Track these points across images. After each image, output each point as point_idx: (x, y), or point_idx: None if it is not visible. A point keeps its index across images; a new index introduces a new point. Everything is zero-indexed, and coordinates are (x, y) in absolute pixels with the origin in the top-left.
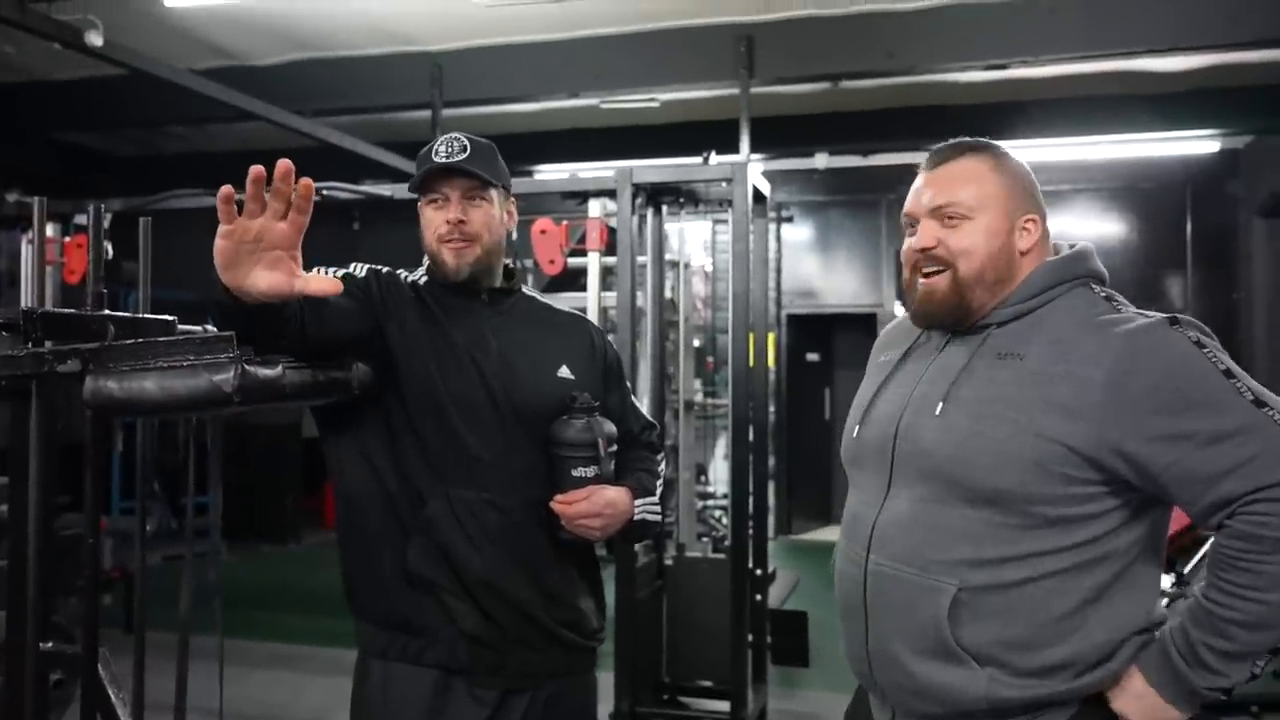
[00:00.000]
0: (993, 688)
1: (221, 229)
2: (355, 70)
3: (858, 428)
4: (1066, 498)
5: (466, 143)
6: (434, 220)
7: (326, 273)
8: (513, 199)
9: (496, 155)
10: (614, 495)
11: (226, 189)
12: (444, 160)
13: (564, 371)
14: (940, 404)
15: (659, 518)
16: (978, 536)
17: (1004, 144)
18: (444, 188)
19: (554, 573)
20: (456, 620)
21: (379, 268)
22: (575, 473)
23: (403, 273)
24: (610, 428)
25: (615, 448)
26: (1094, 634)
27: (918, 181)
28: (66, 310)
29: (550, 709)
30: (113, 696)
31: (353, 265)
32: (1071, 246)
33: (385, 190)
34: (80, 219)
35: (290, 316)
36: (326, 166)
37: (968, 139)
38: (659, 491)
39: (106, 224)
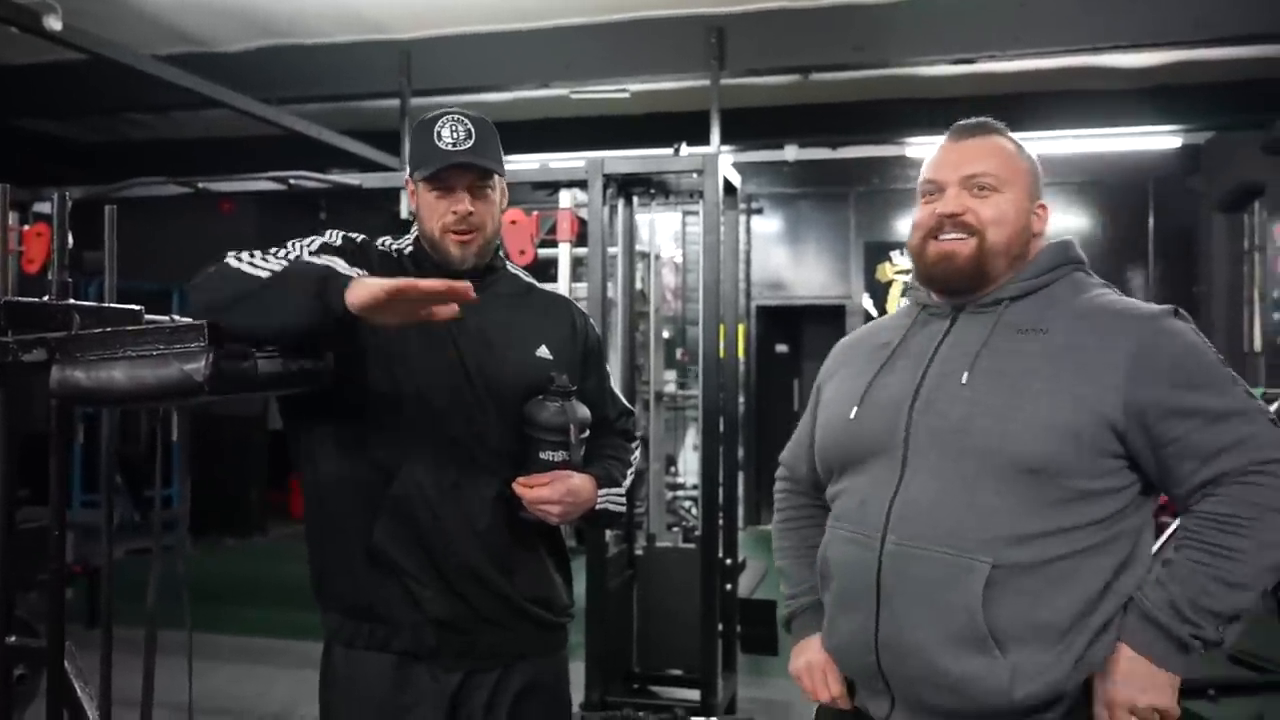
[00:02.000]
0: (1017, 680)
1: (388, 311)
2: (323, 58)
3: (855, 409)
4: (1095, 470)
5: (471, 127)
6: (438, 208)
7: (303, 244)
8: (504, 180)
9: (497, 136)
10: (578, 483)
11: (417, 289)
12: (452, 148)
13: (543, 351)
14: (966, 374)
15: (622, 508)
16: (1011, 511)
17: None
18: (451, 178)
19: (523, 551)
20: (422, 606)
21: (355, 235)
22: (543, 455)
23: (388, 239)
24: (585, 413)
25: (587, 434)
26: (1104, 613)
27: (941, 151)
28: (31, 299)
29: (523, 689)
30: (79, 690)
31: (329, 233)
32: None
33: (355, 179)
34: (40, 207)
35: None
36: (293, 155)
37: (991, 120)
38: (627, 482)
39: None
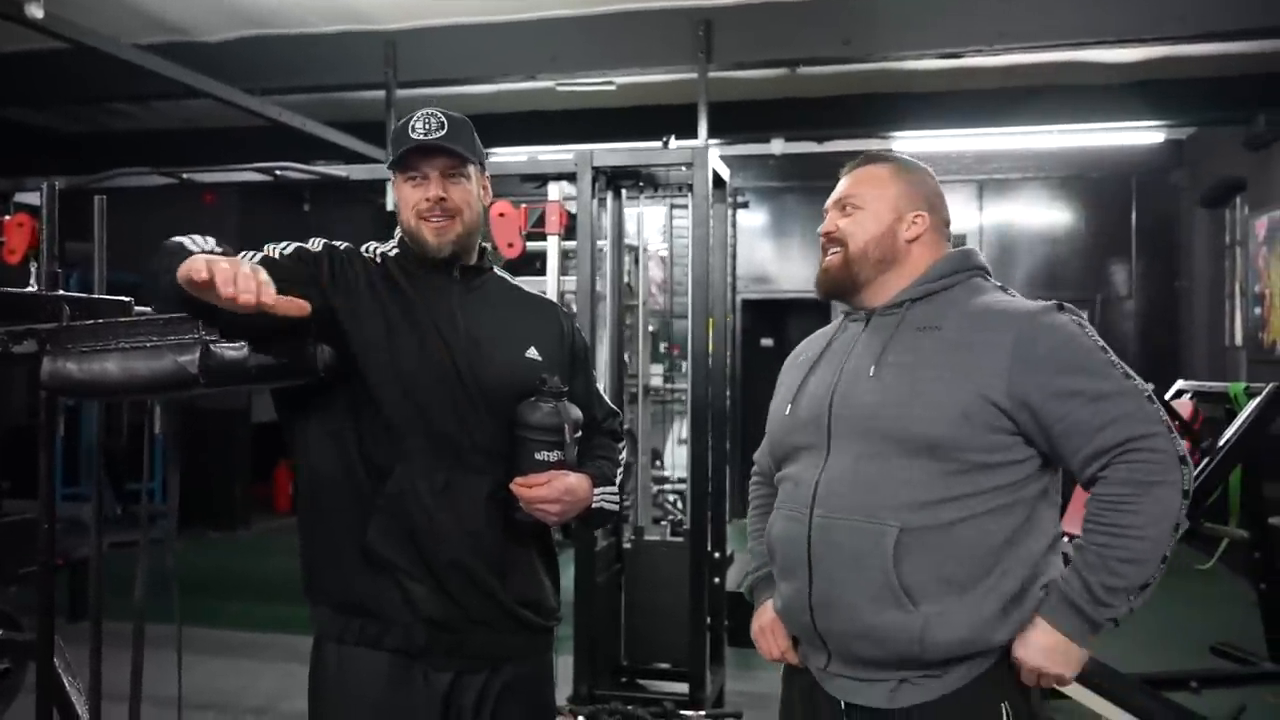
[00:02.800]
0: (928, 630)
1: (200, 291)
2: (307, 48)
3: (789, 406)
4: (988, 445)
5: (444, 119)
6: (412, 197)
7: (277, 248)
8: (487, 176)
9: (473, 132)
10: (574, 482)
11: (206, 278)
12: (422, 137)
13: (532, 353)
14: (873, 368)
15: (617, 506)
16: (915, 482)
17: (956, 132)
18: (423, 165)
19: (514, 552)
20: (415, 603)
21: (337, 244)
22: (538, 456)
23: (373, 245)
24: (577, 413)
25: (580, 434)
26: (1012, 573)
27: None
28: (20, 290)
29: (507, 691)
30: (68, 685)
31: (310, 241)
32: (958, 247)
33: (341, 171)
34: (21, 197)
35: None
36: (277, 146)
37: (881, 152)
38: (619, 480)
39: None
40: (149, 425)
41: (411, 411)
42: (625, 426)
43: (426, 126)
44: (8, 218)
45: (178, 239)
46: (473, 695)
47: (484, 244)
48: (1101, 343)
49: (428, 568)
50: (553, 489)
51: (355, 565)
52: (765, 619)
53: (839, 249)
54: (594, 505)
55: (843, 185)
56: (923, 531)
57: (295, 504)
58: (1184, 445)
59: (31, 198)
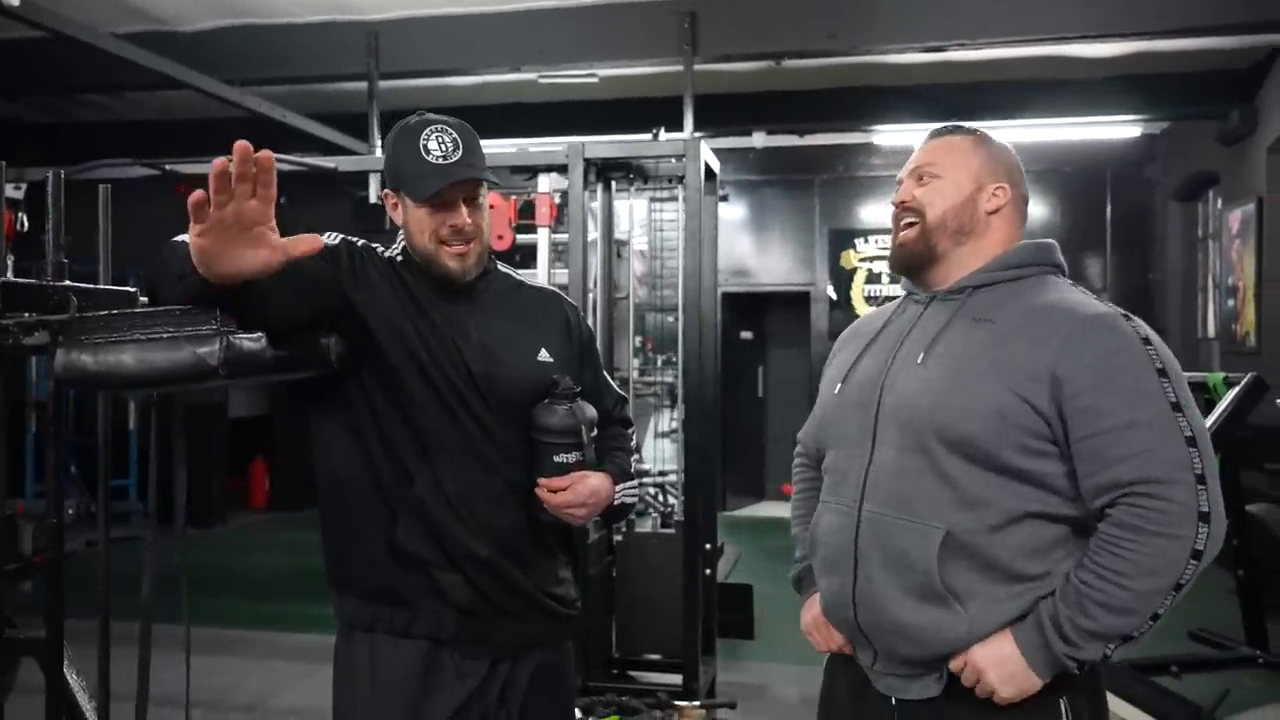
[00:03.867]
0: (974, 627)
1: (197, 228)
2: (287, 38)
3: (840, 385)
4: (1024, 448)
5: (457, 136)
6: (429, 223)
7: None
8: None
9: (478, 140)
10: (597, 483)
11: (199, 194)
12: (444, 162)
13: (544, 355)
14: (922, 355)
15: (636, 499)
16: (956, 481)
17: (936, 125)
18: (446, 193)
19: (537, 548)
20: (446, 592)
21: (354, 239)
22: (558, 458)
23: (378, 247)
24: (591, 412)
25: (596, 431)
26: (1042, 589)
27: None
28: (27, 280)
29: (535, 676)
30: (73, 683)
31: (326, 234)
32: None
33: (329, 163)
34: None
35: (265, 289)
36: (255, 137)
37: (962, 124)
38: (634, 469)
39: (20, 194)
40: (148, 417)
41: (437, 414)
42: None
43: (444, 149)
44: None
45: (178, 239)
46: (497, 685)
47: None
48: (1164, 363)
49: (454, 563)
50: (577, 493)
51: (384, 560)
52: (817, 610)
53: (916, 220)
54: (616, 502)
55: (919, 154)
56: (968, 534)
57: (317, 497)
58: (1215, 502)
59: (7, 190)
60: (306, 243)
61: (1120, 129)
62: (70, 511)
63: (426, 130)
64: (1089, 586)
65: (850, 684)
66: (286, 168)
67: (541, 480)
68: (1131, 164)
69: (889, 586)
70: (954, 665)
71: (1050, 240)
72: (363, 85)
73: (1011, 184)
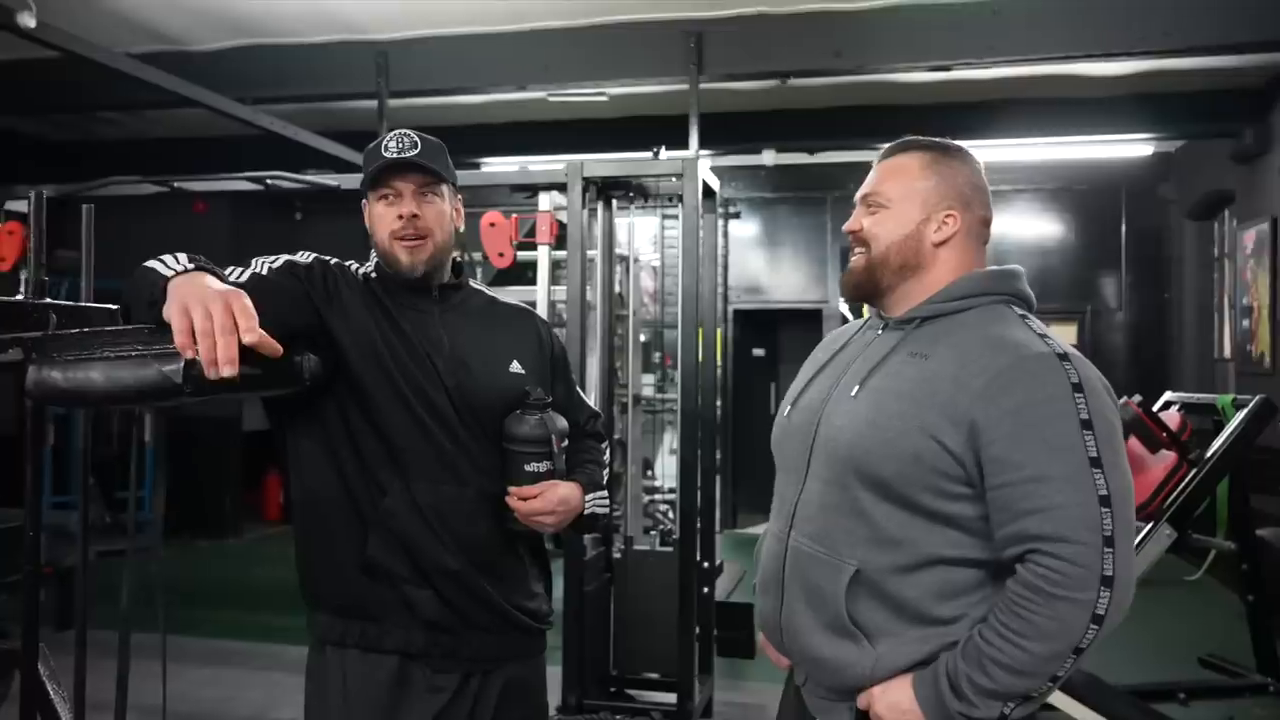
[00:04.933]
0: (879, 666)
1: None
2: (298, 57)
3: (789, 408)
4: (939, 493)
5: (417, 139)
6: (385, 216)
7: (266, 262)
8: (459, 197)
9: (446, 153)
10: (566, 492)
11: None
12: (395, 156)
13: (515, 367)
14: (856, 388)
15: (607, 509)
16: (872, 519)
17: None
18: (396, 182)
19: (508, 559)
20: (414, 608)
21: (327, 258)
22: (529, 468)
23: (352, 264)
24: (562, 423)
25: (567, 442)
26: (954, 634)
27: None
28: (6, 298)
29: (505, 691)
30: (52, 692)
31: (299, 254)
32: (1002, 266)
33: (331, 180)
34: (12, 205)
35: None
36: (268, 155)
37: (923, 138)
38: (606, 482)
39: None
40: (136, 432)
41: (410, 428)
42: (616, 437)
43: (400, 145)
44: None
45: (149, 263)
46: (468, 700)
47: (459, 259)
48: (1092, 413)
49: (425, 576)
50: (547, 501)
51: (355, 575)
52: None
53: (863, 250)
54: (586, 511)
55: (870, 178)
56: (879, 572)
57: (290, 512)
58: (1123, 566)
59: (21, 206)
60: (269, 346)
61: (1133, 147)
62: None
63: (390, 136)
64: (989, 645)
65: (793, 699)
66: (293, 186)
67: (512, 489)
68: (1146, 182)
69: (806, 617)
70: (860, 703)
71: (1011, 268)
72: (372, 104)
73: (964, 207)
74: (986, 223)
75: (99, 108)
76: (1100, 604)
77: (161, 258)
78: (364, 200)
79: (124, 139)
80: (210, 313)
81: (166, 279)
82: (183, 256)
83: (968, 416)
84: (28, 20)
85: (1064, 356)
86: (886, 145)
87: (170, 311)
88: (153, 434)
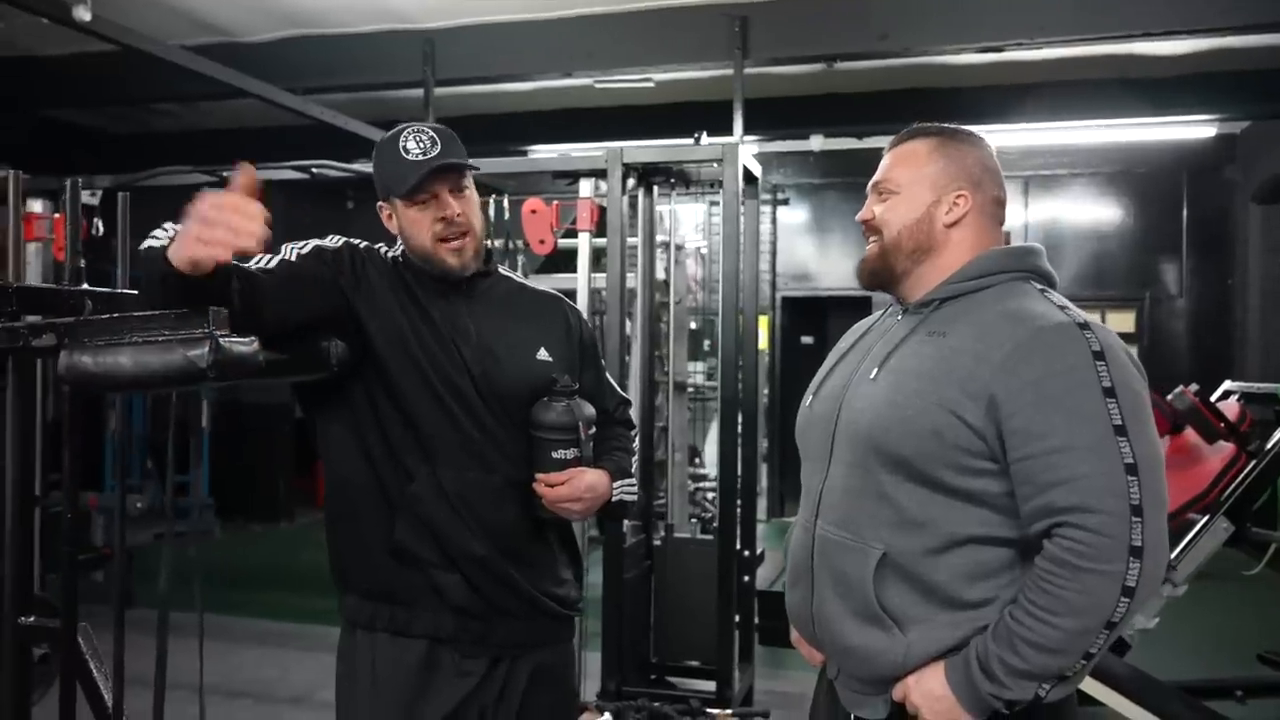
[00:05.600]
0: (911, 653)
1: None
2: (347, 47)
3: (811, 398)
4: (962, 469)
5: (434, 134)
6: (422, 221)
7: (295, 249)
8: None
9: (458, 139)
10: (594, 479)
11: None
12: (423, 157)
13: (543, 354)
14: (875, 371)
15: (635, 497)
16: (896, 500)
17: (998, 127)
18: (432, 185)
19: (536, 546)
20: (443, 593)
21: (356, 241)
22: (556, 454)
23: (381, 247)
24: (590, 410)
25: (595, 429)
26: (984, 618)
27: None
28: (42, 285)
29: (534, 677)
30: (94, 670)
31: (329, 238)
32: (1019, 244)
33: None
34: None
35: (233, 291)
36: (318, 145)
37: (930, 125)
38: (635, 469)
39: (96, 200)
40: (174, 417)
41: (437, 415)
42: (660, 425)
43: (421, 146)
44: (56, 216)
45: (146, 243)
46: (497, 685)
47: (489, 245)
48: (1115, 381)
49: (453, 562)
50: (574, 488)
51: (384, 559)
52: None
53: (876, 237)
54: (614, 499)
55: (881, 166)
56: (906, 555)
57: (324, 498)
58: (1152, 536)
59: (84, 197)
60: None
61: (1195, 129)
62: (139, 505)
63: (404, 134)
64: (1020, 624)
65: (826, 693)
66: (342, 174)
67: (540, 475)
68: (1209, 165)
69: (836, 607)
70: (895, 695)
71: (1029, 245)
72: (419, 92)
73: (975, 187)
74: (1000, 203)
75: (153, 100)
76: (1130, 575)
77: (153, 233)
78: (381, 203)
79: (180, 130)
80: (206, 215)
81: (164, 247)
82: (170, 225)
83: (987, 390)
84: (83, 13)
85: (1084, 325)
86: (898, 133)
87: (178, 248)
88: (208, 421)
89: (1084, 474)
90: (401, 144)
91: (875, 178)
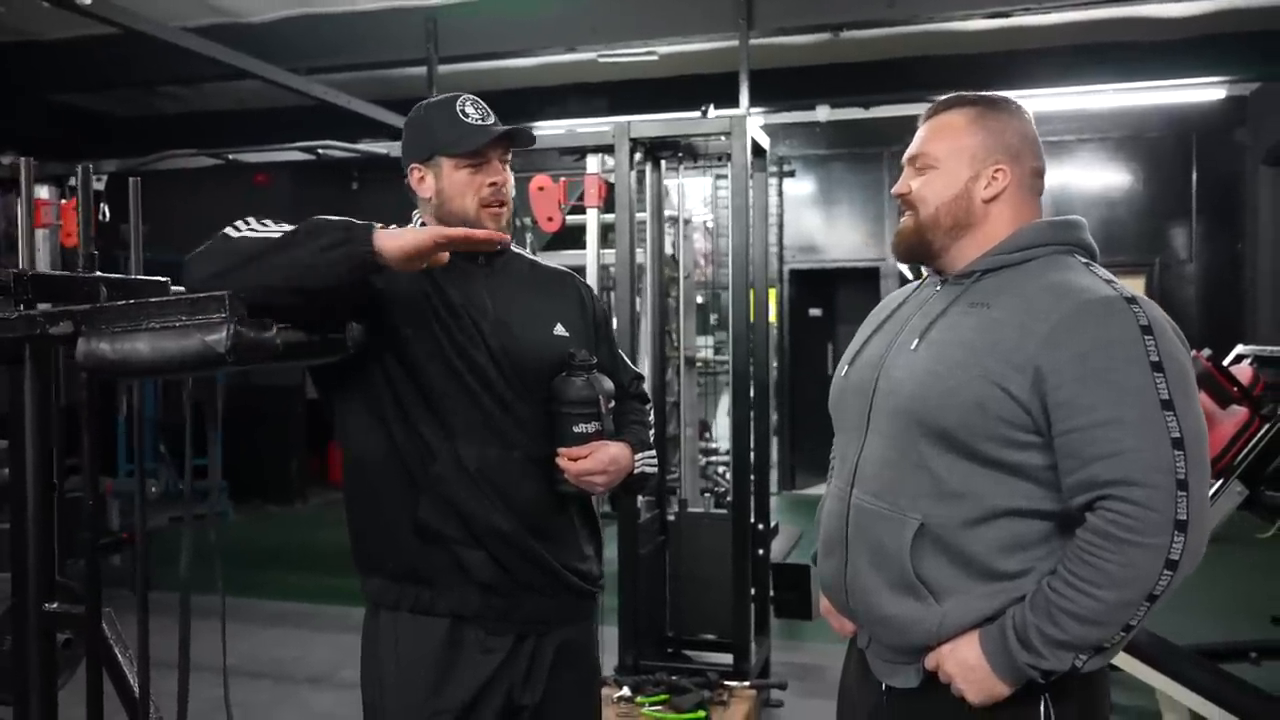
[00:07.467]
0: (945, 623)
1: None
2: (349, 26)
3: (846, 368)
4: (1005, 441)
5: (487, 106)
6: (473, 183)
7: None
8: None
9: None
10: (616, 451)
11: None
12: (482, 123)
13: (559, 329)
14: (915, 341)
15: (656, 469)
16: (935, 471)
17: (1006, 94)
18: (488, 150)
19: (559, 521)
20: (468, 569)
21: (374, 223)
22: (577, 429)
23: (394, 228)
24: (609, 384)
25: (613, 404)
26: (1020, 589)
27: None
28: (58, 272)
29: (560, 653)
30: (119, 654)
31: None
32: (1063, 216)
33: (382, 148)
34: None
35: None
36: (323, 125)
37: (967, 94)
38: (653, 442)
39: (102, 185)
40: (192, 400)
41: (457, 392)
42: (671, 399)
43: (480, 112)
44: (64, 201)
45: (330, 218)
46: (524, 662)
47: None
48: (1162, 355)
49: (478, 539)
50: (597, 460)
51: (408, 538)
52: None
53: (912, 212)
54: (636, 471)
55: (917, 138)
56: (944, 526)
57: (343, 478)
58: (1197, 510)
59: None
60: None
61: (1204, 91)
62: (154, 489)
63: (461, 100)
64: (1059, 594)
65: (857, 663)
66: (344, 154)
67: (562, 450)
68: (1219, 128)
69: (871, 576)
70: (928, 664)
71: (1073, 218)
72: (422, 70)
73: (1013, 160)
74: (1039, 174)
75: (157, 82)
76: (1174, 549)
77: (249, 220)
78: (415, 164)
79: (185, 113)
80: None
81: (370, 230)
82: (257, 220)
83: (1033, 362)
84: None
85: (1131, 300)
86: (931, 103)
87: (403, 243)
88: (211, 403)
89: (1130, 448)
90: (459, 108)
91: (911, 150)
